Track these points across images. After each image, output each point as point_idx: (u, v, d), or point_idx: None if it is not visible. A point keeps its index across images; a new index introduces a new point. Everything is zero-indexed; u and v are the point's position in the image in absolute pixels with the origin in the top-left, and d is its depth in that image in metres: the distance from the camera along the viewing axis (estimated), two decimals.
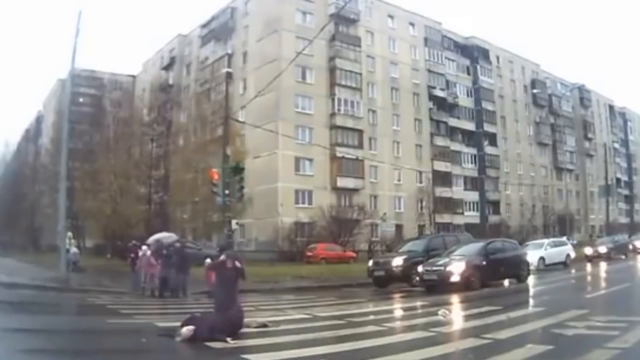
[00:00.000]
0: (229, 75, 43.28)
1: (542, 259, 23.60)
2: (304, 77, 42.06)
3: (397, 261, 17.62)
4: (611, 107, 76.49)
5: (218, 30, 48.15)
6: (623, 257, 28.44)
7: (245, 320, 8.09)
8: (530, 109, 62.45)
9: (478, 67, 56.41)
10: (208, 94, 42.15)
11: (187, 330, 7.31)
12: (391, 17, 49.42)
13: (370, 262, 19.24)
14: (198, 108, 38.31)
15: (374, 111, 46.43)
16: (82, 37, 37.66)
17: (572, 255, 26.08)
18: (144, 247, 16.48)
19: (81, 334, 8.57)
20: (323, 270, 24.28)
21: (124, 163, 36.38)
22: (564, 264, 24.66)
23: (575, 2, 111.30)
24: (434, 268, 15.50)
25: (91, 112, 44.54)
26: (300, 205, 40.08)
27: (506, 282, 17.06)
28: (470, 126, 55.02)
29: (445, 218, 48.26)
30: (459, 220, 50.10)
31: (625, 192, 75.53)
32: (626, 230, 49.67)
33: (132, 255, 17.60)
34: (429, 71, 51.51)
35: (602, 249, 28.85)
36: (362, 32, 46.31)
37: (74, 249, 24.31)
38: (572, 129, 67.54)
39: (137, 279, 16.31)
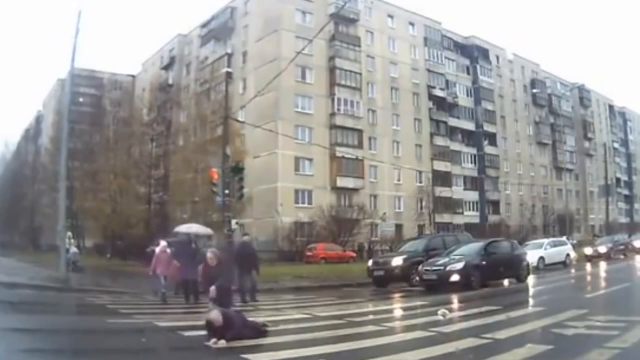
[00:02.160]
0: (229, 75, 43.39)
1: (542, 259, 23.54)
2: (304, 77, 42.07)
3: (397, 261, 17.62)
4: (611, 107, 76.54)
5: (218, 30, 48.15)
6: (623, 257, 28.42)
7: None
8: (530, 109, 62.46)
9: (478, 67, 56.41)
10: (208, 94, 42.11)
11: (217, 315, 6.99)
12: (391, 17, 49.44)
13: (370, 262, 19.24)
14: (198, 108, 38.30)
15: (374, 111, 46.43)
16: (82, 37, 37.78)
17: (572, 255, 26.05)
18: (163, 244, 14.43)
19: (81, 334, 8.54)
20: (323, 270, 24.29)
21: (124, 163, 36.48)
22: (564, 264, 24.63)
23: (575, 3, 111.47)
24: (434, 268, 15.49)
25: (91, 112, 44.61)
26: (300, 205, 40.07)
27: (506, 282, 17.02)
28: (470, 126, 55.04)
29: (445, 218, 48.26)
30: (459, 220, 50.11)
31: (625, 192, 75.61)
32: (626, 230, 49.61)
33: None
34: (429, 71, 51.52)
35: (602, 249, 28.83)
36: (362, 32, 46.31)
37: (74, 249, 24.29)
38: (572, 129, 67.57)
39: (155, 283, 14.21)
